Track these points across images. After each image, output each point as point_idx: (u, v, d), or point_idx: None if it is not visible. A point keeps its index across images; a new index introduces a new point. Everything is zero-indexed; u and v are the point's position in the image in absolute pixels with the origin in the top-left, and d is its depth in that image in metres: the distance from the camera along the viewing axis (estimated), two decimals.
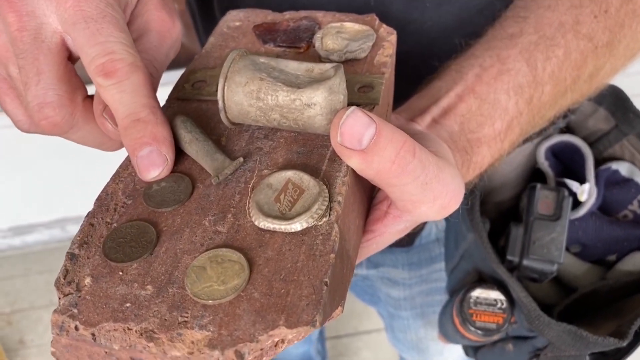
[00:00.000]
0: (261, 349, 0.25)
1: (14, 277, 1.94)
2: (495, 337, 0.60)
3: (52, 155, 1.69)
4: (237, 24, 0.42)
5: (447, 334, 0.67)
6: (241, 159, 0.32)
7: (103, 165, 1.64)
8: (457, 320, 0.60)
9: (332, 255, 0.27)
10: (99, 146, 0.36)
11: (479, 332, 0.58)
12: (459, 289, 0.63)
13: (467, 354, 0.72)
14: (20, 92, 0.34)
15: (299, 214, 0.29)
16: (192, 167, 0.32)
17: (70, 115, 0.33)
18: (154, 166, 0.31)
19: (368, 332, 1.75)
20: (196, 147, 0.32)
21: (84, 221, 0.31)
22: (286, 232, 0.29)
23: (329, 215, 0.29)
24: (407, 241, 0.74)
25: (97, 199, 0.32)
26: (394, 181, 0.30)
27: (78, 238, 0.30)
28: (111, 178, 0.33)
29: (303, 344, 1.11)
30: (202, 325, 0.26)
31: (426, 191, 0.31)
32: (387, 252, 0.76)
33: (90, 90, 0.35)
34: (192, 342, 0.25)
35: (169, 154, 0.32)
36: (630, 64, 0.50)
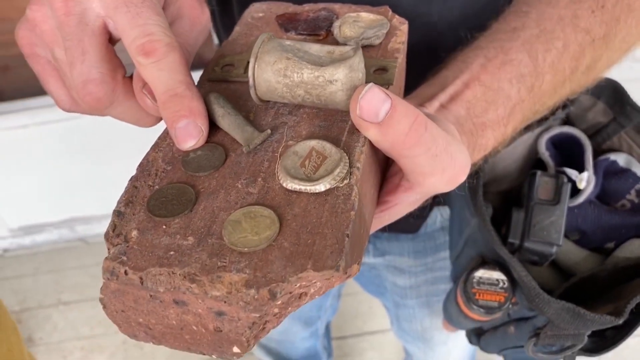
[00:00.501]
0: (290, 292, 0.29)
1: (23, 276, 1.96)
2: (497, 315, 0.62)
3: (61, 156, 1.72)
4: (261, 14, 0.45)
5: (451, 317, 0.70)
6: (269, 131, 0.35)
7: (111, 167, 1.67)
8: (460, 300, 0.63)
9: (352, 212, 0.31)
10: (136, 122, 0.39)
11: (482, 310, 0.60)
12: (462, 275, 0.66)
13: (470, 341, 0.74)
14: (65, 72, 0.37)
15: (322, 177, 0.32)
16: (225, 139, 0.36)
17: (111, 92, 0.36)
18: (191, 136, 0.35)
19: (373, 332, 1.77)
20: (228, 121, 0.36)
21: (128, 184, 0.34)
22: (311, 193, 0.32)
23: (349, 179, 0.32)
24: (413, 227, 0.76)
25: (139, 165, 0.35)
26: (407, 152, 0.33)
27: (124, 198, 0.33)
28: (151, 147, 0.36)
29: (310, 338, 1.13)
30: (239, 269, 0.29)
31: (436, 163, 0.34)
32: (393, 239, 0.79)
33: (129, 70, 0.39)
34: (230, 283, 0.29)
35: (204, 126, 0.35)
36: (625, 57, 0.53)
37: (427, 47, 0.52)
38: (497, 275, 0.61)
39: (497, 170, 0.68)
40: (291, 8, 0.46)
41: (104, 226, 1.91)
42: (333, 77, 0.34)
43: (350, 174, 0.32)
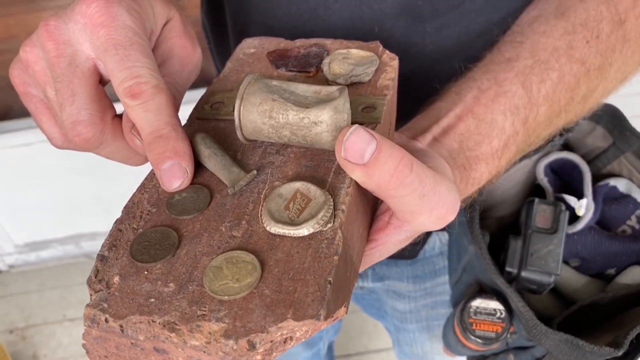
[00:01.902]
0: (271, 341, 0.28)
1: (28, 292, 1.97)
2: (495, 346, 0.62)
3: (67, 172, 1.73)
4: (252, 50, 0.46)
5: (450, 344, 0.69)
6: (254, 172, 0.35)
7: (116, 184, 1.68)
8: (457, 330, 0.63)
9: (336, 257, 0.30)
10: (125, 161, 0.40)
11: (479, 340, 0.60)
12: (461, 301, 0.65)
13: None
14: (56, 112, 0.38)
15: (306, 220, 0.32)
16: (211, 180, 0.36)
17: (100, 133, 0.37)
18: (175, 178, 0.35)
19: (378, 351, 1.76)
20: (214, 161, 0.36)
21: (112, 227, 0.34)
22: (294, 237, 0.32)
23: (334, 222, 0.32)
24: (411, 254, 0.76)
25: (125, 207, 0.35)
26: (393, 193, 0.33)
27: (107, 242, 0.33)
28: (137, 189, 0.36)
29: (312, 358, 1.13)
30: (218, 318, 0.29)
31: (424, 202, 0.34)
32: (392, 264, 0.79)
33: (119, 109, 0.39)
34: (210, 333, 0.28)
35: (188, 167, 0.35)
36: (621, 86, 0.52)
37: (421, 76, 0.52)
38: (494, 304, 0.60)
39: (495, 196, 0.67)
40: (283, 44, 0.46)
41: None
42: (318, 119, 0.34)
43: (335, 217, 0.32)
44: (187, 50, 0.41)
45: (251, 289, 0.30)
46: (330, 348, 1.09)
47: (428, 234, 0.75)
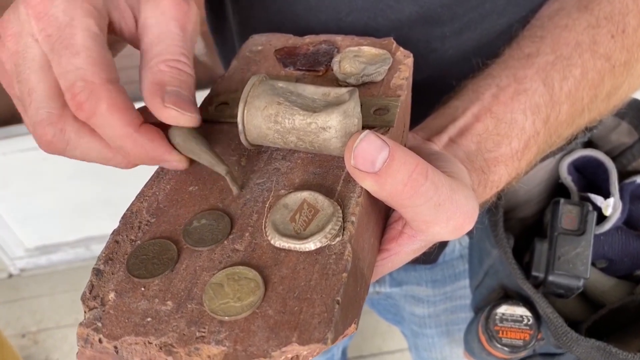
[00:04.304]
0: None
1: (40, 296, 1.97)
2: (522, 354, 0.59)
3: (77, 175, 1.73)
4: (259, 48, 0.43)
5: (473, 351, 0.67)
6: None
7: (127, 186, 1.67)
8: (483, 338, 0.60)
9: (345, 275, 0.28)
10: (105, 161, 0.36)
11: (506, 349, 0.57)
12: (484, 306, 0.63)
13: None
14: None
15: (313, 234, 0.29)
16: (232, 205, 0.33)
17: (60, 132, 0.33)
18: (174, 168, 0.34)
19: (392, 352, 1.73)
20: (209, 156, 0.33)
21: (109, 238, 0.32)
22: (300, 251, 0.29)
23: (342, 235, 0.30)
24: (431, 258, 0.73)
25: (123, 217, 0.33)
26: (407, 202, 0.31)
27: (104, 254, 0.31)
28: (136, 197, 0.34)
29: None
30: (218, 340, 0.27)
31: (439, 212, 0.32)
32: (411, 269, 0.76)
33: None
34: (209, 357, 0.27)
35: (175, 159, 0.34)
36: None
37: (440, 80, 0.49)
38: (521, 311, 0.57)
39: (518, 196, 0.65)
40: (291, 40, 0.43)
41: None
42: (326, 124, 0.31)
43: (344, 230, 0.30)
44: (181, 8, 0.36)
45: (253, 309, 0.27)
46: (344, 352, 1.07)
47: None
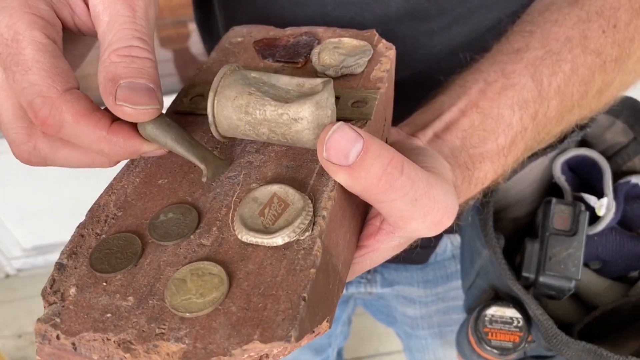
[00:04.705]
0: None
1: (37, 296, 1.94)
2: (512, 357, 0.58)
3: (74, 175, 1.72)
4: (239, 39, 0.42)
5: (464, 353, 0.66)
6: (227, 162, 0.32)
7: None
8: (472, 339, 0.59)
9: (313, 270, 0.27)
10: (87, 166, 0.35)
11: (495, 351, 0.56)
12: (475, 307, 0.61)
13: None
14: None
15: (281, 228, 0.28)
16: (200, 199, 0.32)
17: (34, 150, 0.33)
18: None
19: (389, 353, 1.72)
20: (186, 146, 0.32)
21: (75, 231, 0.31)
22: (268, 246, 0.28)
23: (312, 230, 0.29)
24: (422, 258, 0.72)
25: (90, 210, 0.32)
26: (382, 197, 0.30)
27: (67, 248, 0.30)
28: (105, 190, 0.33)
29: None
30: (178, 337, 0.26)
31: (416, 207, 0.31)
32: (402, 269, 0.75)
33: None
34: (168, 354, 0.26)
35: (155, 148, 0.33)
36: None
37: (428, 76, 0.48)
38: (510, 312, 0.56)
39: (510, 196, 0.63)
40: (272, 32, 0.42)
41: None
42: (298, 115, 0.30)
43: (314, 225, 0.29)
44: None
45: (216, 306, 0.26)
46: (339, 353, 1.06)
47: (439, 237, 0.72)
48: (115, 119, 0.32)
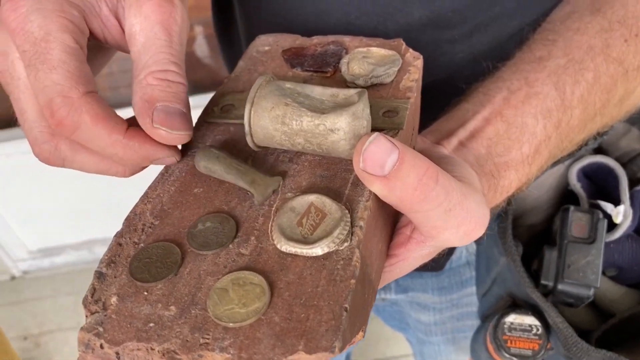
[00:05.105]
0: None
1: (42, 298, 1.95)
2: None
3: (80, 177, 1.70)
4: (266, 48, 0.43)
5: None
6: (279, 178, 0.32)
7: (130, 188, 1.66)
8: (491, 347, 0.59)
9: (353, 281, 0.27)
10: (103, 173, 0.36)
11: (514, 358, 0.56)
12: (491, 314, 0.62)
13: None
14: None
15: (320, 239, 0.29)
16: (237, 207, 0.32)
17: (55, 150, 0.33)
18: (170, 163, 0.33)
19: (396, 357, 1.72)
20: (234, 174, 0.33)
21: (112, 241, 0.31)
22: (307, 256, 0.29)
23: (351, 240, 0.29)
24: (437, 265, 0.72)
25: (126, 219, 0.32)
26: (417, 207, 0.30)
27: (106, 257, 0.31)
28: (140, 199, 0.33)
29: None
30: (222, 347, 0.26)
31: (449, 218, 0.31)
32: (417, 276, 0.75)
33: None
34: None
35: (167, 154, 0.34)
36: None
37: (449, 83, 0.49)
38: (529, 320, 0.56)
39: (526, 203, 0.64)
40: (299, 41, 0.43)
41: None
42: (335, 126, 0.30)
43: (352, 235, 0.29)
44: (165, 10, 0.34)
45: (259, 316, 0.27)
46: (348, 357, 1.06)
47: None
48: (130, 125, 0.33)
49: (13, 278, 2.02)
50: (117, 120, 0.32)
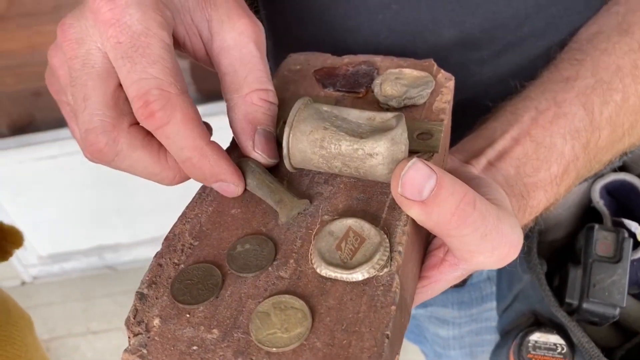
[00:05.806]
0: None
1: (52, 304, 1.95)
2: None
3: (90, 184, 1.73)
4: (298, 67, 0.43)
5: None
6: (307, 201, 0.32)
7: (140, 195, 1.67)
8: None
9: (393, 307, 0.27)
10: (151, 177, 0.35)
11: None
12: (511, 330, 0.61)
13: None
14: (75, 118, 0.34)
15: (360, 264, 0.29)
16: (275, 229, 0.32)
17: (113, 142, 0.32)
18: (228, 192, 0.33)
19: None
20: (264, 191, 0.33)
21: (152, 261, 0.32)
22: (347, 281, 0.29)
23: (390, 266, 0.29)
24: (461, 282, 0.72)
25: (165, 239, 0.33)
26: (453, 232, 0.30)
27: (147, 278, 0.31)
28: (178, 219, 0.34)
29: None
30: None
31: (485, 242, 0.31)
32: None
33: None
34: None
35: (234, 182, 0.33)
36: None
37: (477, 102, 0.48)
38: (554, 339, 0.56)
39: (549, 219, 0.63)
40: (330, 60, 0.43)
41: (132, 254, 1.91)
42: (373, 151, 0.31)
43: (391, 260, 0.29)
44: (256, 29, 0.35)
45: (301, 341, 0.27)
46: None
47: None
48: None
49: (23, 283, 2.02)
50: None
